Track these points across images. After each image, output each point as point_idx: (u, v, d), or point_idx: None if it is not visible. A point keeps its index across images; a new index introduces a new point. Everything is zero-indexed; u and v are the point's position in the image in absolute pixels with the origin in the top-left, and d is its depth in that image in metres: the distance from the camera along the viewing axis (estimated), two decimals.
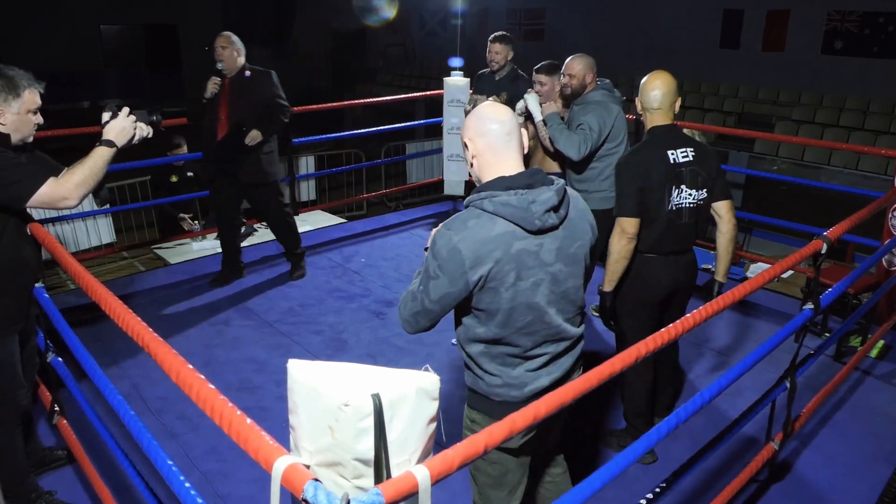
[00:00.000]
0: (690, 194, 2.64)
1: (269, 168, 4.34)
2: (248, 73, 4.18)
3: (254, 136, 4.14)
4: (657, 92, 2.66)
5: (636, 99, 2.77)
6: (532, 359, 1.84)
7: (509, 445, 1.89)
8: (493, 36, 4.77)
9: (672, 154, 2.61)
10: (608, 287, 2.76)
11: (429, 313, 1.79)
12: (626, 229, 2.63)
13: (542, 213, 1.71)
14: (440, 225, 1.77)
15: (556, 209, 1.74)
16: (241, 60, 4.17)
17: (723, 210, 2.73)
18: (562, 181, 1.81)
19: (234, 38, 4.15)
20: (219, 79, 4.14)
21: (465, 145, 1.82)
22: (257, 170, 4.28)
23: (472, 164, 1.84)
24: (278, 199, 4.52)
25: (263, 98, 4.19)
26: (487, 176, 1.79)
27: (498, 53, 4.68)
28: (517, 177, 1.75)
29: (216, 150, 4.24)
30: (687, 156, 2.63)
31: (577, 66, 3.63)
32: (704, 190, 2.66)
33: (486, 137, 1.77)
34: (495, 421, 1.89)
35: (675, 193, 2.61)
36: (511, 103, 3.92)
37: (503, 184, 1.74)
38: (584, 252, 1.85)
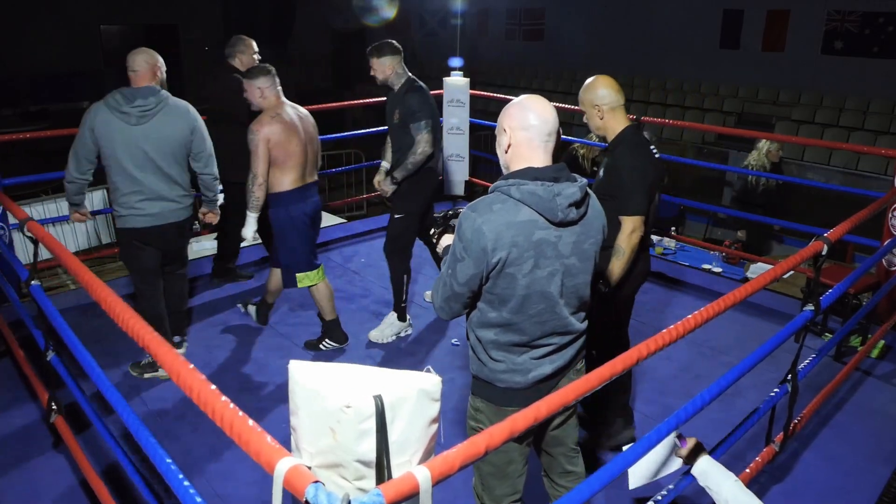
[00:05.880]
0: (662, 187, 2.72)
1: None
2: None
3: None
4: (611, 91, 2.59)
5: (586, 104, 2.66)
6: (537, 348, 1.89)
7: None
8: (368, 49, 3.88)
9: (653, 149, 2.65)
10: (614, 283, 2.67)
11: (459, 297, 1.85)
12: (637, 227, 2.60)
13: (565, 206, 1.77)
14: (465, 207, 1.81)
15: (578, 205, 1.80)
16: None
17: None
18: (585, 180, 1.86)
19: None
20: None
21: (504, 131, 1.86)
22: None
23: (505, 151, 1.87)
24: None
25: None
26: (517, 166, 1.84)
27: (373, 69, 3.79)
28: (545, 169, 1.81)
29: None
30: (657, 151, 2.68)
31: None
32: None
33: (527, 132, 1.82)
34: (498, 408, 1.94)
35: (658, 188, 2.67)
36: (404, 121, 3.71)
37: (531, 174, 1.79)
38: (594, 250, 1.92)
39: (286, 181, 3.46)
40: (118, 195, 3.22)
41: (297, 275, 3.64)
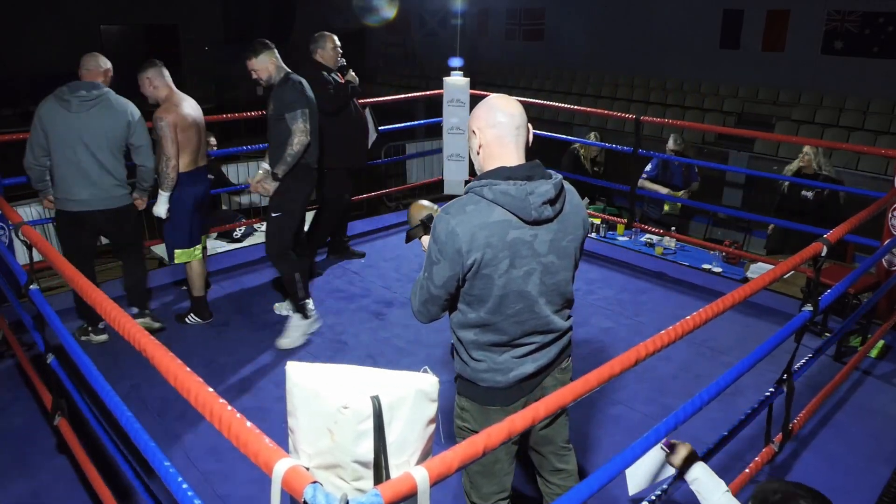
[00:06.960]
0: None
1: None
2: None
3: None
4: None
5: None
6: (518, 347, 1.89)
7: None
8: (244, 55, 3.80)
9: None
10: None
11: (436, 299, 1.84)
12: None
13: (539, 204, 1.75)
14: (440, 210, 1.81)
15: (552, 202, 1.78)
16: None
17: None
18: (560, 176, 1.84)
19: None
20: None
21: (473, 133, 1.85)
22: None
23: (477, 153, 1.86)
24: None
25: None
26: (490, 166, 1.83)
27: (255, 72, 3.73)
28: (518, 168, 1.79)
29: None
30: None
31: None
32: None
33: (496, 129, 1.81)
34: (482, 407, 1.95)
35: None
36: (279, 112, 3.64)
37: (504, 173, 1.78)
38: (574, 246, 1.90)
39: (180, 164, 3.75)
40: (56, 179, 3.52)
41: (175, 251, 3.92)
